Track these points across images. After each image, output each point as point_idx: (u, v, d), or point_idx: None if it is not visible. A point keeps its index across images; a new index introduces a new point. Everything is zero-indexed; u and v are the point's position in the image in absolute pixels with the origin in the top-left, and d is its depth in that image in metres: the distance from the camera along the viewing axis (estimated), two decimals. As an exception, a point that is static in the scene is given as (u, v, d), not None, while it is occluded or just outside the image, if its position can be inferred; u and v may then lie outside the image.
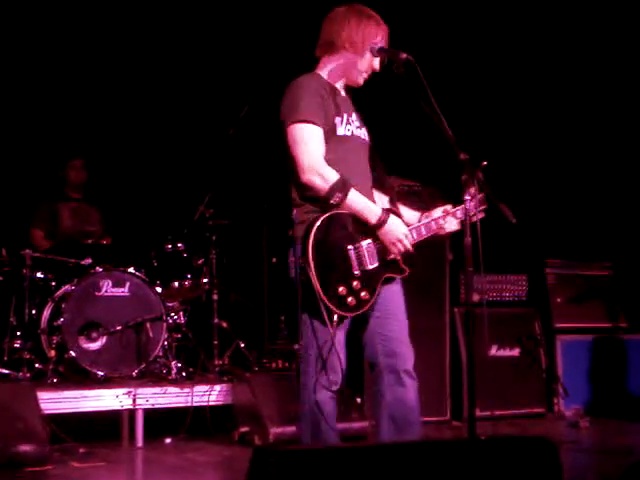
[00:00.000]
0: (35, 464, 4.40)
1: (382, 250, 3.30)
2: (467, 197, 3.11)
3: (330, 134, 3.31)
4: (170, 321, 5.78)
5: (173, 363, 5.59)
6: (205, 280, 5.94)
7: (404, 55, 3.22)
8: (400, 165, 6.13)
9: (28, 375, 5.30)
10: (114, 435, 5.17)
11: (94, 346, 5.46)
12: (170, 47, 6.76)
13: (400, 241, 3.29)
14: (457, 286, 6.10)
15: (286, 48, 6.25)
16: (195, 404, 5.27)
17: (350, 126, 3.38)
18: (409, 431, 3.34)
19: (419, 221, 3.43)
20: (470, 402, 3.06)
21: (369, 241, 3.29)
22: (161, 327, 5.61)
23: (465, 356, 5.89)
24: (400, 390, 3.33)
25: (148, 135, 6.86)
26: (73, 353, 5.35)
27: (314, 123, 3.26)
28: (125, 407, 5.14)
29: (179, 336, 5.94)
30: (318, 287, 3.14)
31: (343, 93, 3.46)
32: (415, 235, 3.37)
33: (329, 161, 3.28)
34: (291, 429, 4.77)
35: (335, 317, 3.19)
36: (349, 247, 3.24)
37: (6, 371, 5.37)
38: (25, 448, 4.42)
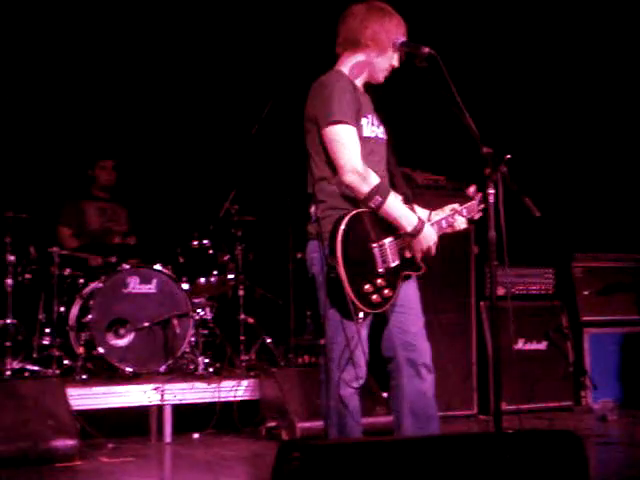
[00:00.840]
0: (65, 459, 4.45)
1: (402, 248, 3.33)
2: (491, 191, 3.10)
3: (358, 135, 3.33)
4: (197, 317, 5.81)
5: (200, 359, 5.62)
6: (231, 276, 5.97)
7: (427, 49, 3.22)
8: (424, 160, 6.14)
9: (57, 372, 5.35)
10: (142, 430, 5.21)
11: (122, 343, 5.51)
12: (194, 47, 6.79)
13: (430, 249, 3.34)
14: (483, 280, 6.08)
15: (307, 46, 6.25)
16: (222, 399, 5.30)
17: (373, 127, 3.41)
18: (430, 424, 3.37)
19: (429, 220, 3.44)
20: (496, 396, 3.06)
21: (391, 239, 3.32)
22: (188, 323, 5.65)
23: (491, 350, 5.88)
24: (419, 382, 3.36)
25: (174, 133, 6.89)
26: (101, 350, 5.40)
27: (349, 124, 3.28)
28: (153, 403, 5.18)
29: (206, 332, 5.97)
30: (347, 284, 3.16)
31: (362, 90, 3.47)
32: None
33: None
34: (318, 424, 4.76)
35: (361, 314, 3.21)
36: (374, 245, 3.26)
37: (36, 368, 5.43)
38: (55, 444, 4.47)
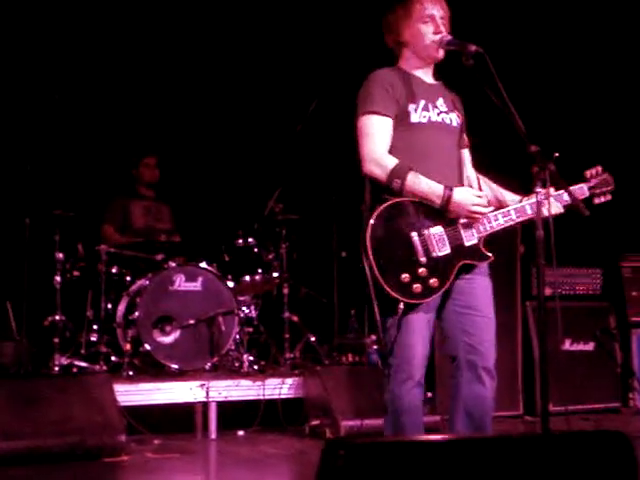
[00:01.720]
0: (112, 455, 4.49)
1: (455, 236, 3.26)
2: (538, 189, 3.06)
3: (402, 122, 3.32)
4: (242, 315, 5.85)
5: (245, 356, 5.65)
6: (276, 274, 5.99)
7: (473, 47, 3.18)
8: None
9: (105, 368, 5.42)
10: (188, 427, 5.25)
11: (168, 340, 5.56)
12: (241, 44, 6.82)
13: (474, 207, 3.22)
14: (529, 280, 6.02)
15: (352, 44, 6.25)
16: (267, 397, 5.32)
17: (428, 112, 3.36)
18: (483, 431, 3.29)
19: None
20: (543, 397, 3.02)
21: (439, 227, 3.25)
22: (233, 321, 5.68)
23: (537, 350, 5.82)
24: (478, 388, 3.28)
25: (219, 131, 6.93)
26: (148, 346, 5.45)
27: (380, 114, 3.28)
28: (198, 400, 5.22)
29: (251, 330, 6.00)
30: (378, 274, 3.13)
31: (429, 79, 3.44)
32: (502, 219, 3.30)
33: (398, 149, 3.29)
34: (362, 422, 4.79)
35: (401, 305, 3.18)
36: (413, 234, 3.21)
37: (84, 364, 5.50)
38: (102, 439, 4.52)
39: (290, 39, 6.80)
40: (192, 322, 5.58)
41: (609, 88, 7.00)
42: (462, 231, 3.27)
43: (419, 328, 3.25)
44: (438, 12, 3.36)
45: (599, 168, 3.53)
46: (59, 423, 4.48)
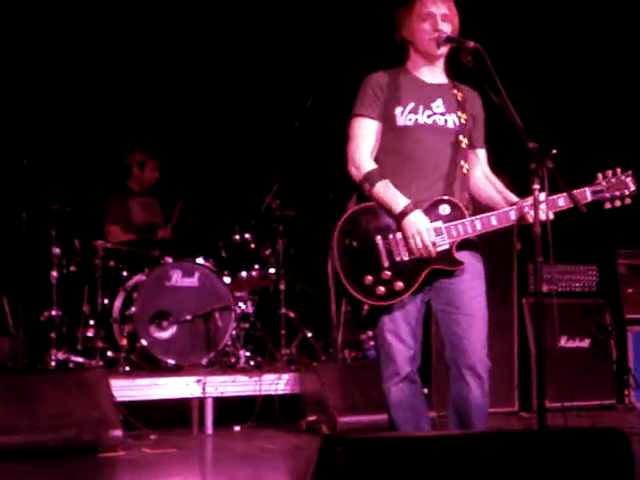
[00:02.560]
0: (108, 450, 4.51)
1: None
2: (536, 186, 3.05)
3: (389, 125, 3.34)
4: (238, 311, 5.85)
5: (241, 352, 5.65)
6: (272, 270, 5.99)
7: (471, 44, 3.19)
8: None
9: (101, 363, 5.42)
10: (184, 422, 5.26)
11: (164, 335, 5.56)
12: (237, 42, 6.81)
13: (416, 237, 3.19)
14: (525, 276, 6.03)
15: (348, 42, 6.25)
16: (263, 393, 5.33)
17: (416, 115, 3.33)
18: (471, 429, 3.30)
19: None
20: (540, 393, 3.03)
21: None
22: (230, 317, 5.68)
23: (533, 347, 5.84)
24: (461, 386, 3.28)
25: (216, 128, 6.92)
26: (144, 342, 5.45)
27: (366, 116, 3.34)
28: (195, 395, 5.22)
29: (247, 326, 6.00)
30: (342, 275, 3.22)
31: (432, 79, 3.41)
32: (479, 226, 3.27)
33: (386, 152, 3.33)
34: (358, 418, 4.80)
35: (365, 306, 3.22)
36: (377, 238, 3.24)
37: (80, 359, 5.50)
38: (99, 434, 4.52)
39: (287, 36, 6.79)
40: (189, 318, 5.59)
41: (607, 84, 7.00)
42: None
43: (392, 327, 3.28)
44: (438, 10, 3.34)
45: (617, 170, 3.32)
46: (55, 418, 4.48)
